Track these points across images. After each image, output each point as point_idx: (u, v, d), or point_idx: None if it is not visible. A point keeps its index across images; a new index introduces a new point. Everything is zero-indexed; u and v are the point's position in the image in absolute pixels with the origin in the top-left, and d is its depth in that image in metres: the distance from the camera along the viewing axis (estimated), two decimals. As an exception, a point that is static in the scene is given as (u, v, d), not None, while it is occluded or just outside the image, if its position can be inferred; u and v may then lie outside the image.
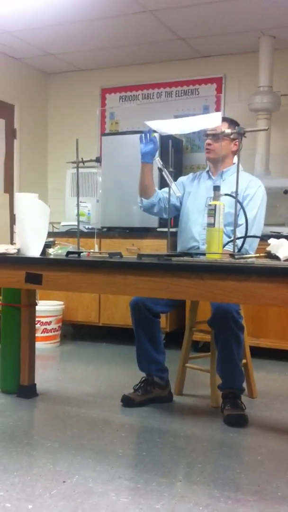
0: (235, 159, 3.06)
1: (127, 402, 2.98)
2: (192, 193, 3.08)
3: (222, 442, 2.56)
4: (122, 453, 2.39)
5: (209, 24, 4.35)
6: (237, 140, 2.90)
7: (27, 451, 2.38)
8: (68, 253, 2.52)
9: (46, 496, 1.97)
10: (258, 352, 3.93)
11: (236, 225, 2.45)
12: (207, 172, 3.13)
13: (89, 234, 4.47)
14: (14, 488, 2.02)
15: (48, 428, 2.71)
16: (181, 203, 3.11)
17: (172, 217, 3.19)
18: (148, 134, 2.85)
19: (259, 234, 2.89)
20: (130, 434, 2.68)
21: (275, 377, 3.73)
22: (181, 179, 3.19)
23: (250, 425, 2.73)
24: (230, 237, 2.76)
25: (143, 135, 2.88)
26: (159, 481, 2.10)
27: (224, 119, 2.93)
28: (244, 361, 3.03)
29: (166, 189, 3.03)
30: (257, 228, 2.89)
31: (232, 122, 2.97)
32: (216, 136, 2.91)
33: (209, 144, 2.99)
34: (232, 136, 2.84)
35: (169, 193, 2.78)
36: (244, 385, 2.96)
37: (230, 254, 2.35)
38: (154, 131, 2.82)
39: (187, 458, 2.38)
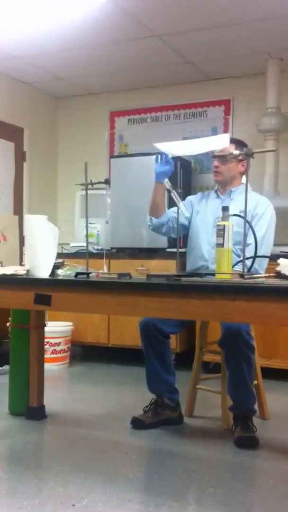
0: (243, 179, 3.08)
1: (137, 424, 2.95)
2: (200, 212, 3.09)
3: (233, 465, 2.52)
4: (132, 476, 2.36)
5: (216, 47, 4.40)
6: (244, 161, 2.91)
7: (36, 474, 2.35)
8: (77, 274, 2.53)
9: (55, 520, 1.95)
10: (270, 373, 3.89)
11: (245, 245, 2.45)
12: (215, 191, 3.14)
13: (98, 255, 4.48)
14: (23, 512, 2.00)
15: (57, 450, 2.68)
16: (189, 222, 3.12)
17: (181, 237, 3.20)
18: (165, 156, 2.86)
19: (268, 254, 2.88)
20: (140, 456, 2.65)
21: (287, 399, 3.68)
22: (190, 198, 3.20)
23: (262, 447, 2.69)
24: (239, 256, 2.76)
25: (159, 155, 2.88)
26: (170, 505, 2.07)
27: (232, 140, 2.94)
28: (255, 382, 3.00)
29: (174, 208, 3.04)
30: (267, 247, 2.89)
31: (239, 143, 2.98)
32: (224, 158, 2.92)
33: (216, 167, 3.00)
34: (240, 157, 2.85)
35: (177, 213, 2.79)
36: (256, 406, 2.93)
37: (240, 274, 2.34)
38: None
39: (199, 481, 2.35)
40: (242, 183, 3.07)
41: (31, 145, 5.48)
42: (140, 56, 4.61)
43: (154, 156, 2.90)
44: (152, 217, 3.07)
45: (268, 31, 4.09)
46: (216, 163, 3.00)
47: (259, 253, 2.67)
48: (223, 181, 3.03)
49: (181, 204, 2.72)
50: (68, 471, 2.37)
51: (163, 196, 3.02)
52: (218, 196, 3.10)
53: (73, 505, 2.05)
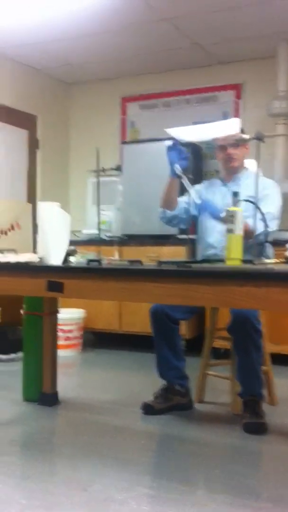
0: (245, 163, 3.07)
1: (147, 409, 2.97)
2: (207, 198, 3.08)
3: (243, 450, 2.54)
4: (143, 461, 2.39)
5: (226, 30, 4.35)
6: (247, 144, 2.92)
7: (49, 459, 2.39)
8: (89, 261, 2.54)
9: (67, 504, 1.98)
10: (280, 359, 3.89)
11: (255, 230, 2.45)
12: (220, 178, 3.13)
13: (110, 242, 4.49)
14: (35, 496, 2.03)
15: (69, 435, 2.72)
16: (199, 212, 3.11)
17: (190, 224, 3.19)
18: (180, 150, 2.80)
19: (275, 226, 2.89)
20: (150, 442, 2.68)
21: (297, 384, 3.69)
22: (197, 187, 3.18)
23: (271, 433, 2.70)
24: None
25: (174, 150, 2.80)
26: (179, 489, 2.09)
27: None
28: (264, 368, 3.00)
29: (184, 198, 3.04)
30: (274, 216, 2.89)
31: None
32: (237, 144, 2.91)
33: (231, 154, 2.98)
34: (250, 142, 2.84)
35: (189, 194, 2.79)
36: (265, 392, 2.93)
37: (249, 261, 2.34)
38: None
39: (208, 466, 2.37)
40: (245, 168, 3.06)
41: (44, 132, 5.48)
42: (150, 40, 4.57)
43: (166, 147, 2.82)
44: (166, 210, 3.07)
45: (278, 13, 4.03)
46: (230, 150, 2.97)
47: (271, 228, 2.72)
48: (239, 166, 3.02)
49: (192, 190, 2.71)
50: (79, 456, 2.40)
51: (177, 190, 3.01)
52: (223, 183, 3.09)
53: (85, 490, 2.08)
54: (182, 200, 3.05)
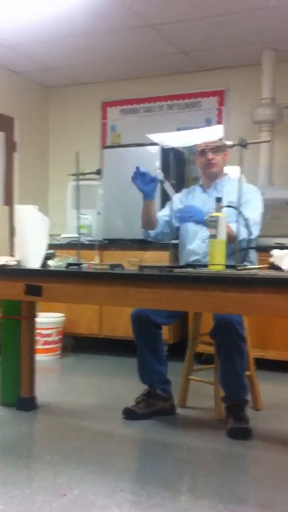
0: (226, 169, 3.09)
1: (129, 414, 2.95)
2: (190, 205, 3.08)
3: (226, 455, 2.52)
4: (124, 466, 2.36)
5: (211, 37, 4.37)
6: (227, 150, 2.96)
7: (27, 464, 2.35)
8: (68, 264, 2.51)
9: (46, 510, 1.94)
10: (264, 364, 3.90)
11: (238, 236, 2.46)
12: (200, 185, 3.13)
13: (90, 246, 4.46)
14: (13, 502, 1.99)
15: (48, 440, 2.68)
16: (180, 220, 3.09)
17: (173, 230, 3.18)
18: (146, 175, 2.79)
19: (257, 232, 2.89)
20: (132, 447, 2.65)
21: (280, 389, 3.70)
22: (176, 195, 3.17)
23: (255, 438, 2.69)
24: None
25: (139, 176, 2.78)
26: (162, 495, 2.07)
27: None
28: (248, 372, 3.00)
29: (164, 210, 3.03)
30: (255, 222, 2.89)
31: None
32: (217, 149, 2.93)
33: (211, 159, 2.99)
34: (230, 148, 2.85)
35: (171, 203, 2.79)
36: (249, 397, 2.93)
37: (232, 266, 2.34)
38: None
39: (191, 471, 2.35)
40: (226, 174, 3.08)
41: (22, 135, 5.43)
42: (133, 46, 4.57)
43: (132, 176, 2.79)
44: (148, 230, 3.07)
45: (263, 21, 4.06)
46: (210, 155, 2.98)
47: (250, 232, 2.77)
48: (218, 172, 3.03)
49: (175, 196, 2.71)
50: (59, 461, 2.36)
51: (155, 211, 3.01)
52: (204, 190, 3.10)
53: (64, 495, 2.05)
54: (162, 215, 3.05)
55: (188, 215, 2.81)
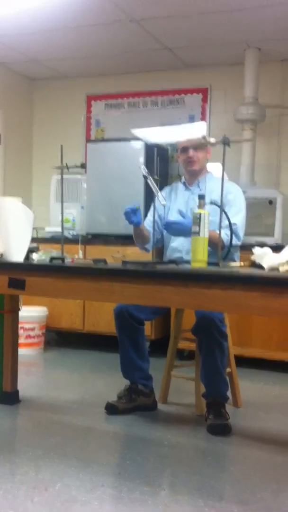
0: (208, 167, 3.12)
1: (111, 410, 2.97)
2: (171, 206, 3.10)
3: (206, 451, 2.56)
4: (106, 461, 2.38)
5: (195, 35, 4.38)
6: (209, 148, 2.99)
7: (9, 459, 2.36)
8: (52, 258, 2.52)
9: (28, 504, 1.96)
10: (244, 362, 3.94)
11: (220, 233, 2.48)
12: (183, 183, 3.15)
13: (74, 241, 4.46)
14: (-4, 496, 2.00)
15: (30, 435, 2.69)
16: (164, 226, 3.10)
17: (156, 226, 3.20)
18: (132, 211, 2.86)
19: (242, 233, 2.94)
20: (113, 442, 2.67)
21: (260, 387, 3.74)
22: (160, 194, 3.18)
23: (235, 435, 2.73)
24: None
25: (131, 213, 2.86)
26: (142, 490, 2.10)
27: None
28: (228, 370, 3.03)
29: (150, 216, 3.09)
30: (242, 228, 2.95)
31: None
32: (199, 146, 2.95)
33: (191, 157, 3.00)
34: (215, 146, 2.86)
35: (154, 205, 2.82)
36: (229, 394, 2.96)
37: (214, 263, 2.37)
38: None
39: (171, 467, 2.38)
40: (208, 172, 3.10)
41: (6, 127, 5.39)
42: (118, 41, 4.56)
43: (124, 212, 2.88)
44: (145, 246, 3.12)
45: (247, 20, 4.07)
46: (191, 153, 3.00)
47: (239, 237, 2.84)
48: (199, 170, 3.04)
49: (159, 193, 2.72)
50: (41, 456, 2.38)
51: (145, 229, 3.06)
52: (186, 188, 3.11)
53: (46, 490, 2.06)
54: (150, 221, 3.05)
55: (176, 233, 2.88)
